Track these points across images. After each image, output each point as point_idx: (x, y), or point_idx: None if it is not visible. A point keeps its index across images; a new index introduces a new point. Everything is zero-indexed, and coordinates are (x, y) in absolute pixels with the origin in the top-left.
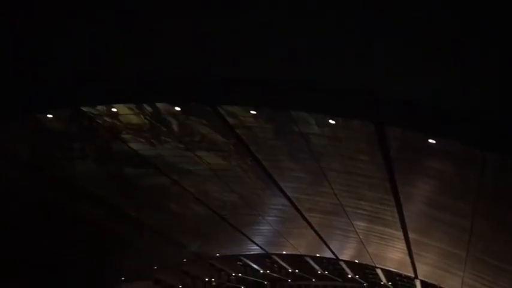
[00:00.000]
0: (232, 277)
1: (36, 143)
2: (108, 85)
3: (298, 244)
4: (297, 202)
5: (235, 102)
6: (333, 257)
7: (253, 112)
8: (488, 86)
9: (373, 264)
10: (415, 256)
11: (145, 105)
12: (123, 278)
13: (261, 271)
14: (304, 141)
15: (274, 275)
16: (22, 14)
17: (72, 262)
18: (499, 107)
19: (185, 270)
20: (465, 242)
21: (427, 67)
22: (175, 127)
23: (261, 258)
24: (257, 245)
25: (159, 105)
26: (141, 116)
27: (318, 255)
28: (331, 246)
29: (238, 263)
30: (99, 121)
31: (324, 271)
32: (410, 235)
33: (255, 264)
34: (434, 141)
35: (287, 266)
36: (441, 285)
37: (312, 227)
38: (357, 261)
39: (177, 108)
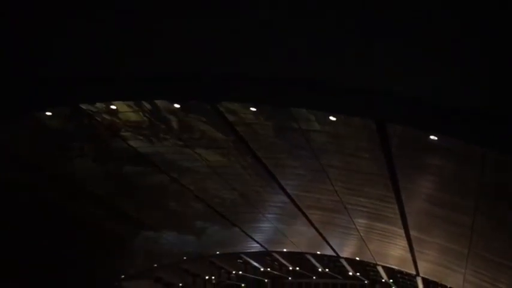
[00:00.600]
0: (232, 275)
1: (35, 142)
2: (108, 84)
3: (299, 242)
4: (297, 199)
5: (235, 100)
6: (334, 254)
7: (253, 109)
8: (488, 85)
9: (374, 262)
10: (416, 253)
11: (144, 103)
12: (123, 276)
13: (262, 269)
14: (305, 139)
15: (275, 272)
16: (22, 14)
17: (72, 262)
18: (499, 106)
19: (185, 268)
20: (467, 239)
21: (427, 67)
22: (174, 124)
23: (262, 256)
24: (257, 242)
25: (158, 102)
26: (140, 113)
27: (318, 252)
28: (331, 244)
29: (238, 260)
30: (98, 119)
31: (325, 269)
32: (412, 232)
33: (256, 262)
34: (436, 138)
35: (287, 264)
36: (443, 283)
37: (312, 225)
38: (357, 258)
39: (177, 106)
